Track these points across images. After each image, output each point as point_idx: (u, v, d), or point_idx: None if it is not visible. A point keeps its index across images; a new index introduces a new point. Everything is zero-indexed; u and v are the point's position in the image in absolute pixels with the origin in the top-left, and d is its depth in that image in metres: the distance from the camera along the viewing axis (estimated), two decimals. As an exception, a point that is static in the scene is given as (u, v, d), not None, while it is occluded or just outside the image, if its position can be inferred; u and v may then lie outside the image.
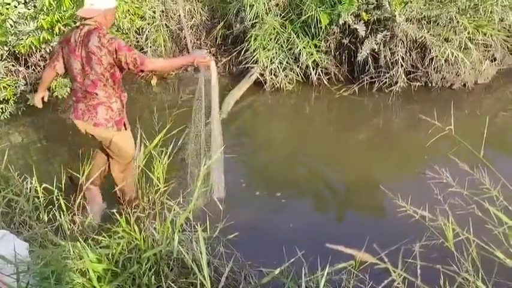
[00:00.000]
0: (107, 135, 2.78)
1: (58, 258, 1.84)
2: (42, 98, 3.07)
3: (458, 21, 4.80)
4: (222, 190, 3.18)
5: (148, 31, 5.85)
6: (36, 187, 2.56)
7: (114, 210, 2.30)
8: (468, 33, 4.79)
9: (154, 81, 5.70)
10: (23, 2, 4.82)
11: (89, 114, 2.73)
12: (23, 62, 5.17)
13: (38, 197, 2.52)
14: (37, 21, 4.70)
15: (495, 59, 5.27)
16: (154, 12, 5.89)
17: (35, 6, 4.82)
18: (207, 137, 3.09)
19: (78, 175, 2.61)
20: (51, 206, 2.49)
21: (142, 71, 2.73)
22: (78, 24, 2.75)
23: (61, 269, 1.79)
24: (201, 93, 3.02)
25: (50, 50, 5.01)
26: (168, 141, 3.16)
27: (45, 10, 4.72)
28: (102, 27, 2.66)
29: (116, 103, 2.77)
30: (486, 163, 1.52)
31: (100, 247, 2.05)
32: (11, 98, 4.75)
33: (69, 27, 4.95)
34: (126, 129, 2.86)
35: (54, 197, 2.48)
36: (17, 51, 4.84)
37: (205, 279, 1.74)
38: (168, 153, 2.91)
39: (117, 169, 2.97)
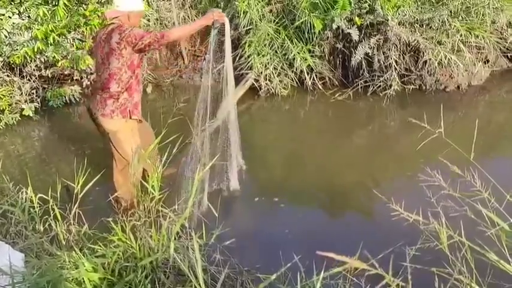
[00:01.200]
0: (109, 127, 3.00)
1: (54, 268, 1.84)
2: None
3: (450, 24, 4.84)
4: (237, 182, 3.39)
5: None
6: (31, 197, 2.55)
7: (110, 219, 2.29)
8: (461, 35, 4.83)
9: (149, 89, 5.71)
10: (17, 12, 4.83)
11: (100, 105, 2.96)
12: (18, 72, 5.18)
13: (34, 207, 2.51)
14: (31, 32, 4.72)
15: (488, 61, 5.32)
16: (148, 20, 5.92)
17: (29, 17, 4.83)
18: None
19: (73, 185, 2.61)
20: (46, 216, 2.49)
21: (167, 43, 2.98)
22: (106, 23, 2.97)
23: (57, 279, 1.79)
24: (212, 55, 3.24)
25: (44, 59, 5.02)
26: (163, 149, 3.16)
27: (39, 20, 4.74)
28: (124, 25, 2.84)
29: (123, 94, 2.94)
30: (476, 165, 1.53)
31: (96, 256, 2.05)
32: (6, 108, 4.76)
33: (64, 37, 4.98)
34: (131, 118, 3.00)
35: (50, 207, 2.48)
36: (11, 62, 4.84)
37: (200, 287, 1.73)
38: (163, 160, 2.91)
39: (117, 170, 3.13)
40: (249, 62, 5.21)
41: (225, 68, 3.19)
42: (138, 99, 3.06)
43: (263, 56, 5.24)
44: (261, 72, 5.19)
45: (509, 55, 5.49)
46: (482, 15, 4.89)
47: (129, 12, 2.90)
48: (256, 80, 5.24)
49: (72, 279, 1.84)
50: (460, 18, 4.95)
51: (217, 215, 2.62)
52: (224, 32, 3.16)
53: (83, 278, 1.81)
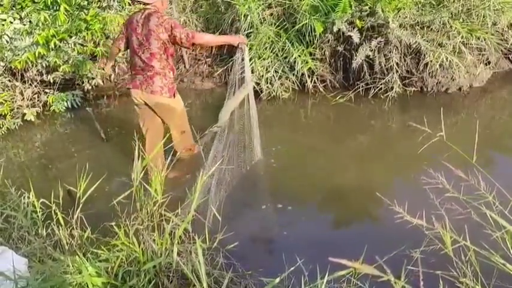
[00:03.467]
0: (161, 101, 3.30)
1: (57, 273, 1.84)
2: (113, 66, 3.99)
3: (451, 26, 4.84)
4: (260, 152, 3.78)
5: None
6: (33, 202, 2.55)
7: (113, 223, 2.29)
8: (462, 37, 4.83)
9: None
10: (18, 17, 4.85)
11: (146, 84, 3.24)
12: (20, 77, 5.19)
13: (36, 212, 2.51)
14: (33, 37, 4.73)
15: (489, 63, 5.32)
16: (149, 24, 5.92)
17: (30, 22, 4.85)
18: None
19: (75, 189, 2.61)
20: (49, 221, 2.49)
21: (193, 44, 3.25)
22: (140, 8, 3.33)
23: (60, 284, 1.79)
24: (237, 69, 3.56)
25: (46, 64, 5.04)
26: (166, 153, 3.17)
27: (40, 25, 4.75)
28: (160, 11, 3.23)
29: (169, 73, 3.29)
30: (479, 168, 1.53)
31: (99, 261, 2.05)
32: (8, 113, 4.77)
33: (65, 42, 4.99)
34: (175, 97, 3.37)
35: (52, 212, 2.48)
36: (13, 67, 4.86)
37: (204, 291, 1.73)
38: (167, 164, 2.90)
39: (175, 133, 3.51)
40: (250, 66, 5.21)
41: (245, 81, 3.61)
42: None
43: (264, 59, 5.24)
44: (262, 76, 5.19)
45: (510, 57, 5.50)
46: (483, 17, 4.88)
47: None
48: (257, 83, 5.24)
49: (76, 284, 1.84)
50: (461, 20, 4.95)
51: (220, 219, 2.62)
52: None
53: (86, 283, 1.81)
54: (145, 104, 3.34)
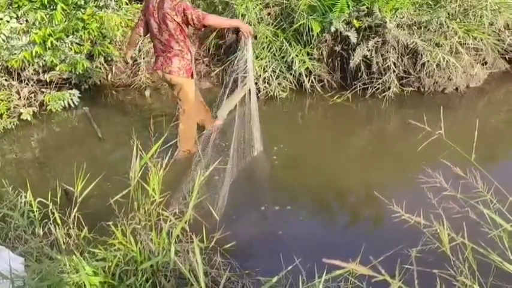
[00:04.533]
0: (177, 81, 3.60)
1: (54, 272, 1.83)
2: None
3: (448, 26, 4.85)
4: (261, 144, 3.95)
5: (142, 42, 5.86)
6: (30, 201, 2.54)
7: (110, 223, 2.28)
8: (459, 37, 4.84)
9: (148, 92, 5.71)
10: (15, 16, 4.83)
11: (166, 64, 3.55)
12: (16, 76, 5.17)
13: (33, 211, 2.50)
14: (29, 36, 4.72)
15: (486, 63, 5.33)
16: (147, 23, 5.91)
17: (27, 21, 4.83)
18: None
19: (72, 189, 2.60)
20: (46, 220, 2.48)
21: (204, 26, 3.44)
22: None
23: (57, 283, 1.78)
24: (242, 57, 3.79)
25: (42, 64, 5.02)
26: (164, 153, 3.16)
27: (37, 24, 4.75)
28: None
29: (187, 54, 3.56)
30: (477, 166, 1.53)
31: (96, 260, 2.04)
32: (4, 112, 4.75)
33: (62, 41, 4.97)
34: (192, 78, 3.66)
35: (49, 211, 2.47)
36: (9, 66, 4.84)
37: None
38: (165, 163, 2.90)
39: (182, 116, 3.77)
40: (247, 65, 5.21)
41: (248, 70, 3.81)
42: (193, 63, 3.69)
43: (261, 59, 5.24)
44: (260, 75, 5.18)
45: (507, 57, 5.51)
46: (480, 17, 4.90)
47: None
48: (255, 83, 5.24)
49: (73, 283, 1.83)
50: (458, 20, 4.96)
51: (218, 218, 2.62)
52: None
53: (83, 282, 1.81)
54: (166, 83, 3.76)
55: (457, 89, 5.07)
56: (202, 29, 3.83)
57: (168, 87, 4.60)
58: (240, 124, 3.69)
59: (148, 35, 3.70)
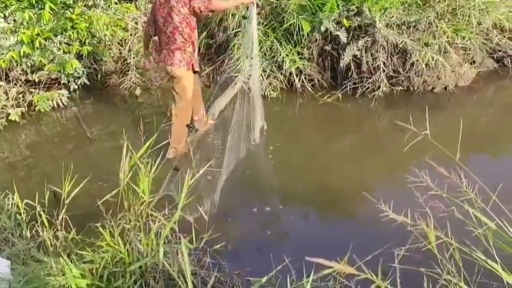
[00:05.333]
0: (177, 73, 3.72)
1: (40, 275, 1.81)
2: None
3: (437, 26, 4.89)
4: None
5: (131, 42, 5.83)
6: (18, 203, 2.51)
7: (98, 224, 2.26)
8: (447, 37, 4.88)
9: (138, 92, 5.68)
10: (2, 16, 4.78)
11: (168, 57, 3.69)
12: (4, 76, 5.11)
13: (20, 214, 2.47)
14: (17, 36, 4.66)
15: (474, 62, 5.38)
16: (136, 23, 5.88)
17: (14, 21, 4.78)
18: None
19: (60, 190, 2.58)
20: (33, 222, 2.46)
21: (212, 11, 3.62)
22: None
23: (43, 286, 1.77)
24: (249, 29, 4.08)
25: (30, 64, 4.98)
26: (154, 153, 3.14)
27: (25, 24, 4.69)
28: None
29: (189, 47, 3.69)
30: (462, 166, 1.54)
31: (84, 262, 2.02)
32: (-8, 113, 4.70)
33: (50, 41, 4.93)
34: (194, 72, 3.81)
35: (37, 213, 2.44)
36: (-3, 66, 4.79)
37: (190, 291, 1.72)
38: (156, 164, 2.88)
39: (178, 107, 3.87)
40: (238, 65, 5.21)
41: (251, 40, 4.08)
42: (197, 57, 3.85)
43: (252, 58, 5.23)
44: (250, 75, 5.17)
45: (495, 56, 5.56)
46: (468, 17, 4.94)
47: None
48: (246, 83, 5.23)
49: (59, 286, 1.82)
50: (447, 19, 5.00)
51: (207, 219, 2.60)
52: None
53: (70, 285, 1.79)
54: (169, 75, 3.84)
55: (445, 88, 5.11)
56: (210, 14, 3.97)
57: (157, 88, 4.61)
58: (239, 112, 4.01)
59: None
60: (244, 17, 4.54)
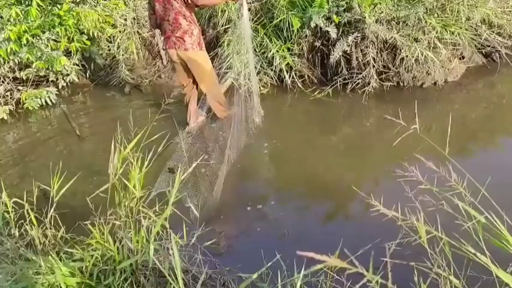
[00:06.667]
0: (192, 56, 3.91)
1: (29, 273, 1.79)
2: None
3: (426, 21, 4.90)
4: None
5: (120, 39, 5.79)
6: (6, 201, 2.48)
7: (87, 222, 2.24)
8: (436, 32, 4.89)
9: (127, 89, 5.64)
10: (-11, 13, 4.72)
11: (180, 43, 3.85)
12: (-9, 74, 5.06)
13: (9, 212, 2.44)
14: (4, 33, 4.60)
15: (463, 57, 5.41)
16: (125, 19, 5.84)
17: (1, 17, 4.72)
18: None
19: (49, 188, 2.55)
20: (22, 221, 2.43)
21: (197, 5, 3.77)
22: None
23: (32, 285, 1.75)
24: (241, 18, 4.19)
25: (18, 61, 4.92)
26: (145, 149, 3.12)
27: (12, 21, 4.63)
28: None
29: (195, 29, 3.86)
30: (451, 160, 1.55)
31: (73, 260, 2.01)
32: (-21, 111, 4.64)
33: (38, 38, 4.87)
34: (202, 49, 3.98)
35: (25, 211, 2.42)
36: (-16, 63, 4.73)
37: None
38: (148, 159, 2.86)
39: (205, 87, 4.15)
40: (228, 61, 5.19)
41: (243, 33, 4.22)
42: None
43: (242, 54, 5.21)
44: (240, 71, 5.16)
45: (483, 51, 5.60)
46: (457, 12, 4.96)
47: None
48: (236, 79, 5.22)
49: (49, 285, 1.80)
50: (436, 15, 5.02)
51: (198, 215, 2.60)
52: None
53: (59, 283, 1.77)
54: (181, 60, 3.98)
55: (435, 83, 5.13)
56: (199, 6, 3.99)
57: (147, 85, 4.56)
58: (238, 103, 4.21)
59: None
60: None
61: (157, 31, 4.47)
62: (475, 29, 5.26)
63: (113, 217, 2.31)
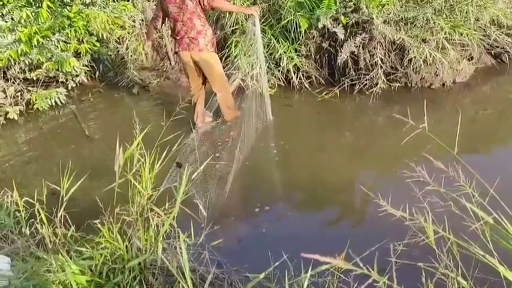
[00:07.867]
0: (206, 57, 3.97)
1: (40, 271, 1.82)
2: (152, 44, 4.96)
3: (434, 22, 4.88)
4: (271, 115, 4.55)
5: (129, 40, 5.83)
6: (17, 201, 2.51)
7: (97, 221, 2.27)
8: (445, 33, 4.87)
9: (135, 90, 5.68)
10: (0, 14, 4.77)
11: (193, 45, 3.90)
12: (2, 75, 5.11)
13: (19, 211, 2.47)
14: (15, 34, 4.66)
15: (472, 58, 5.38)
16: (134, 21, 5.89)
17: (12, 19, 4.77)
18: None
19: (59, 188, 2.58)
20: (32, 220, 2.46)
21: (212, 8, 3.85)
22: None
23: (43, 283, 1.77)
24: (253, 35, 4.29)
25: (28, 62, 4.97)
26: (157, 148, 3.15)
27: (22, 22, 4.69)
28: None
29: (208, 30, 3.95)
30: (460, 160, 1.55)
31: (83, 259, 2.03)
32: (-10, 111, 4.70)
33: (48, 39, 4.92)
34: (215, 50, 4.07)
35: (36, 210, 2.45)
36: (-5, 65, 4.79)
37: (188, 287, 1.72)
38: (156, 158, 2.88)
39: (216, 87, 4.21)
40: (236, 62, 5.21)
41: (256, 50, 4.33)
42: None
43: (249, 56, 5.23)
44: (248, 72, 5.18)
45: (492, 52, 5.56)
46: (466, 13, 4.94)
47: None
48: (243, 80, 5.24)
49: (59, 283, 1.82)
50: (444, 16, 5.00)
51: (205, 215, 2.61)
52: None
53: (69, 281, 1.80)
54: (193, 62, 4.02)
55: (443, 84, 5.11)
56: (211, 10, 4.05)
57: (156, 86, 4.58)
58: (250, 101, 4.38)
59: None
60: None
61: (148, 44, 4.55)
62: (484, 29, 5.23)
63: (123, 213, 2.32)
